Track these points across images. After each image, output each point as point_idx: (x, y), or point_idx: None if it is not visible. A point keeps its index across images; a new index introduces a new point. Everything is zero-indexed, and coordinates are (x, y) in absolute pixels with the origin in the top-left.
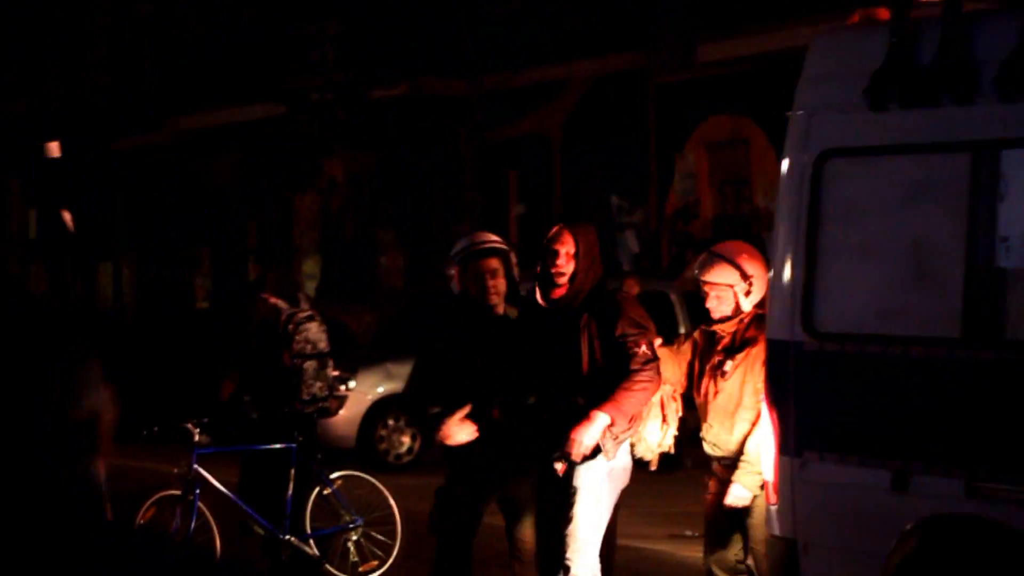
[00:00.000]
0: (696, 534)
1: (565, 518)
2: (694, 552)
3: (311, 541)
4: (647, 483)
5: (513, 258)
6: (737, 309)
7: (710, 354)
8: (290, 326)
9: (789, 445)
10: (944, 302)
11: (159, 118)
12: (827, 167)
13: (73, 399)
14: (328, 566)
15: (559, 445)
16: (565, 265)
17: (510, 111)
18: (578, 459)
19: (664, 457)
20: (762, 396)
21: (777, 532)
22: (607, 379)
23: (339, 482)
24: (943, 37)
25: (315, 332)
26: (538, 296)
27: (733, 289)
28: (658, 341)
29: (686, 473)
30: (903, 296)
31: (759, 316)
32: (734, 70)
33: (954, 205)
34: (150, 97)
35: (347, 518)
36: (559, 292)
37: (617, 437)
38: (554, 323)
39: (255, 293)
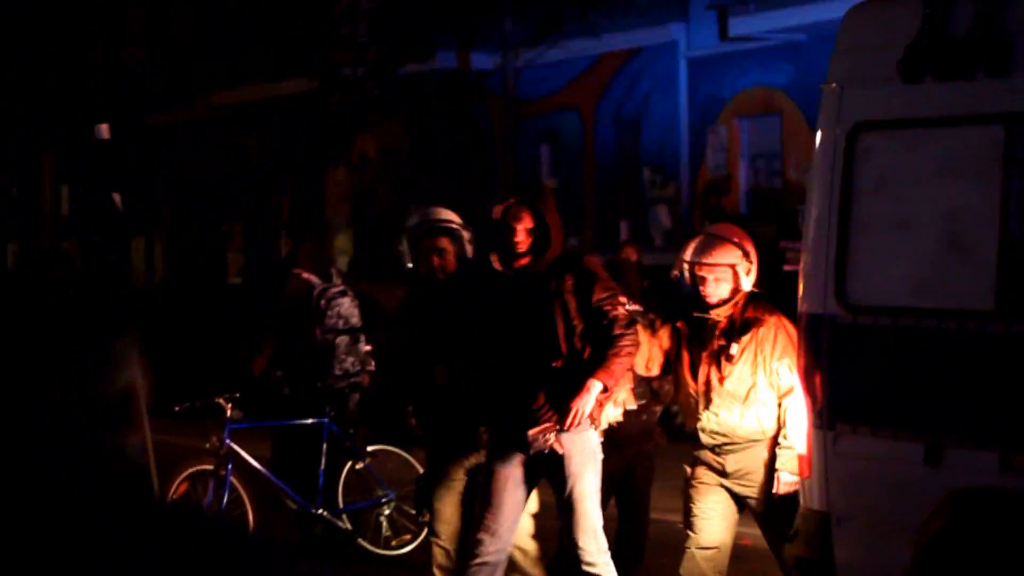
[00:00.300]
0: None
1: (570, 503)
2: None
3: (344, 516)
4: (680, 457)
5: (466, 235)
6: (735, 291)
7: (705, 341)
8: (322, 301)
9: (822, 418)
10: (978, 275)
11: (193, 94)
12: (860, 140)
13: (107, 374)
14: (361, 540)
15: (539, 417)
16: (524, 241)
17: (543, 85)
18: (572, 430)
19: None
20: (782, 375)
21: (810, 505)
22: (584, 343)
23: (371, 457)
24: (977, 9)
25: (347, 307)
26: (495, 264)
27: (735, 269)
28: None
29: None
30: (937, 269)
31: (754, 296)
32: (767, 43)
33: (987, 178)
34: (184, 73)
35: (379, 492)
36: (522, 262)
37: (602, 404)
38: (520, 289)
39: (287, 268)
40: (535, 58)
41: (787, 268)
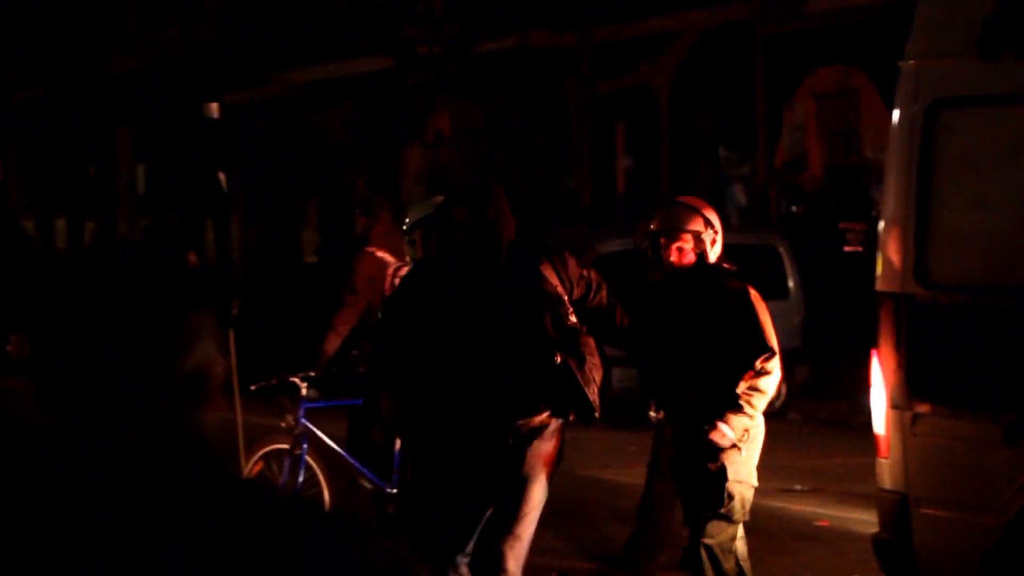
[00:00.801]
0: (806, 488)
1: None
2: (805, 506)
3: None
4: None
5: None
6: (700, 261)
7: (666, 308)
8: (396, 280)
9: (900, 398)
10: None
11: (268, 72)
12: (938, 117)
13: (181, 351)
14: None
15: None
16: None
17: (619, 63)
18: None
19: (769, 412)
20: (762, 346)
21: (887, 486)
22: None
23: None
24: None
25: None
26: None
27: (701, 236)
28: None
29: (793, 427)
30: (1016, 246)
31: (725, 268)
32: (843, 20)
33: None
34: (259, 51)
35: None
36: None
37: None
38: (491, 285)
39: (361, 247)
40: (613, 35)
41: (848, 249)
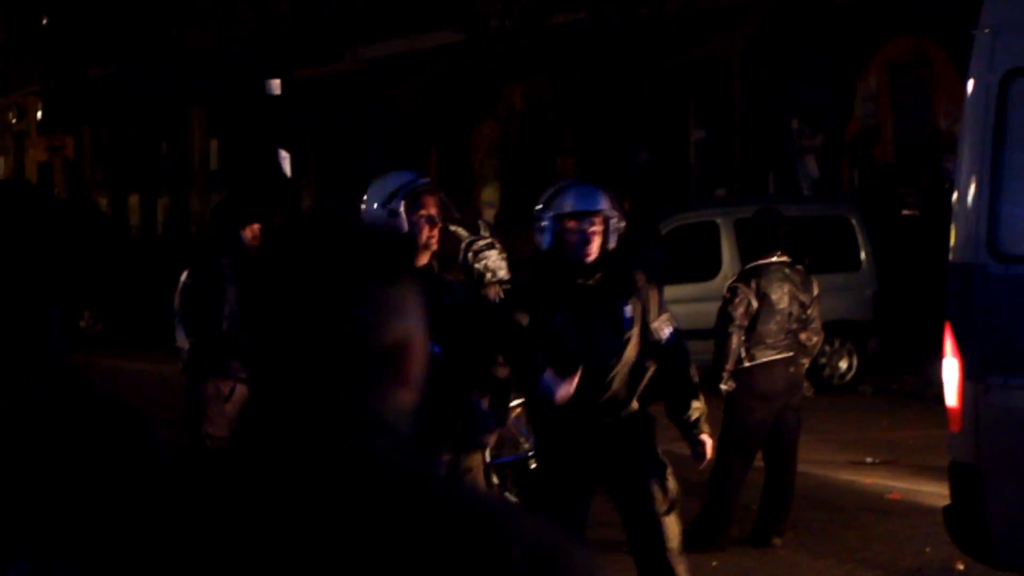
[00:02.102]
0: (877, 460)
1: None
2: (876, 479)
3: (491, 470)
4: (827, 410)
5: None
6: (603, 249)
7: (581, 304)
8: (469, 254)
9: (973, 370)
10: None
11: (340, 48)
12: (1013, 87)
13: (375, 325)
14: (508, 494)
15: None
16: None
17: (691, 35)
18: None
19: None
20: (665, 332)
21: (960, 458)
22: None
23: (517, 410)
24: None
25: (495, 260)
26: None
27: (610, 223)
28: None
29: (866, 400)
30: None
31: (620, 257)
32: None
33: None
34: (331, 26)
35: (526, 446)
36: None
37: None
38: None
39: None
40: (685, 6)
41: (905, 213)
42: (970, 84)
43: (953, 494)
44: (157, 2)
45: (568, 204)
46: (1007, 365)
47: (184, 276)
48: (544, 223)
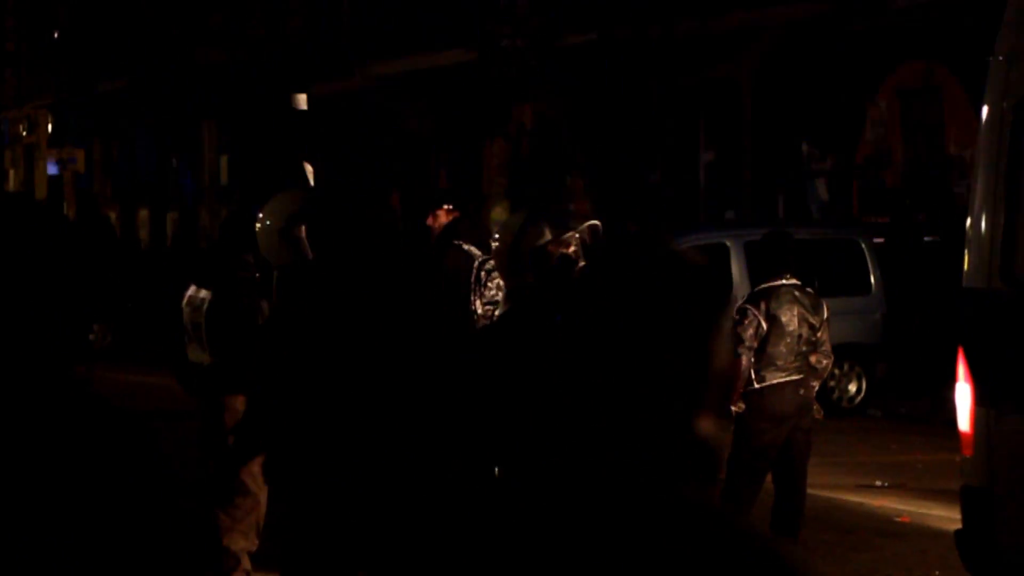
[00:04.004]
0: (886, 484)
1: None
2: (884, 502)
3: None
4: (835, 432)
5: None
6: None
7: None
8: (482, 273)
9: (986, 396)
10: None
11: (352, 64)
12: None
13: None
14: None
15: None
16: None
17: (701, 58)
18: None
19: (849, 408)
20: None
21: (972, 482)
22: None
23: None
24: None
25: None
26: None
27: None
28: None
29: (875, 423)
30: None
31: None
32: (927, 15)
33: None
34: (343, 43)
35: None
36: None
37: None
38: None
39: (448, 240)
40: (696, 29)
41: (928, 239)
42: (984, 110)
43: (965, 518)
44: (168, 17)
45: None
46: (1019, 391)
47: (193, 290)
48: None
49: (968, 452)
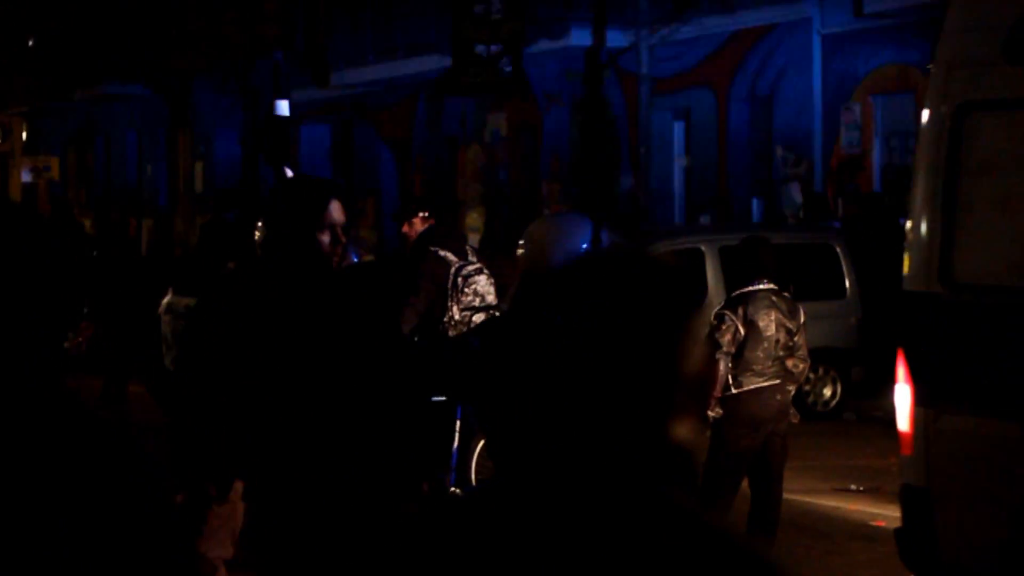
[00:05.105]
0: (862, 488)
1: None
2: (860, 506)
3: None
4: (811, 436)
5: None
6: None
7: None
8: (459, 279)
9: (924, 396)
10: None
11: (326, 70)
12: (965, 120)
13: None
14: None
15: None
16: None
17: (676, 62)
18: None
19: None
20: None
21: (911, 481)
22: None
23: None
24: None
25: (484, 285)
26: None
27: None
28: None
29: (850, 427)
30: None
31: None
32: (902, 19)
33: None
34: (318, 49)
35: None
36: None
37: None
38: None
39: (424, 246)
40: (669, 35)
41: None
42: (924, 115)
43: (904, 517)
44: (143, 25)
45: None
46: (957, 392)
47: (172, 298)
48: None
49: (907, 452)
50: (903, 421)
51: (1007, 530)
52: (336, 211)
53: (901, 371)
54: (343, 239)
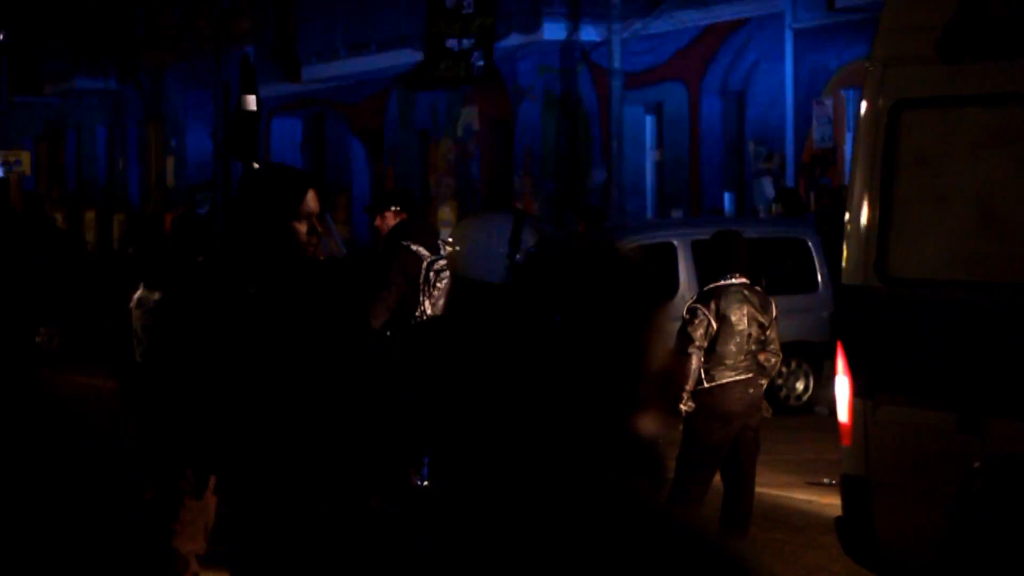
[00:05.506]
0: (834, 481)
1: None
2: (833, 499)
3: None
4: (783, 430)
5: None
6: None
7: None
8: (431, 273)
9: (862, 388)
10: (1015, 249)
11: (298, 65)
12: (901, 117)
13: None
14: None
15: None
16: None
17: (649, 56)
18: None
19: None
20: None
21: (850, 471)
22: None
23: None
24: None
25: None
26: None
27: None
28: None
29: (822, 421)
30: (974, 243)
31: None
32: (873, 14)
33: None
34: (289, 44)
35: None
36: None
37: None
38: None
39: (396, 241)
40: (641, 29)
41: None
42: (862, 110)
43: (844, 506)
44: (115, 19)
45: None
46: (894, 383)
47: (143, 292)
48: None
49: (847, 442)
50: (842, 412)
51: (943, 519)
52: (312, 201)
53: (840, 363)
54: (319, 228)
